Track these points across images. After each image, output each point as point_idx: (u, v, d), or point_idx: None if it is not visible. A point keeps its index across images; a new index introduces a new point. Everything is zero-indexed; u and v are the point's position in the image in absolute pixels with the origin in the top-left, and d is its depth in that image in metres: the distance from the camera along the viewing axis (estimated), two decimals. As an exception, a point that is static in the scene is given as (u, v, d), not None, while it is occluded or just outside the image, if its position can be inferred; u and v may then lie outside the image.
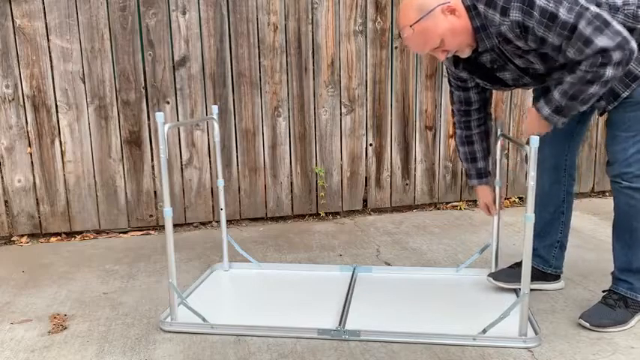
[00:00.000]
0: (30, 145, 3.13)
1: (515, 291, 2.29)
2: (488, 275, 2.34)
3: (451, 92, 2.21)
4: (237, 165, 3.40)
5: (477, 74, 2.04)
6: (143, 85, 3.19)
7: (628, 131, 1.93)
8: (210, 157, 3.35)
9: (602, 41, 1.68)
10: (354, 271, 2.56)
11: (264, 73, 3.32)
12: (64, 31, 3.05)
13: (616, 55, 1.69)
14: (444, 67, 2.15)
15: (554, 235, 2.27)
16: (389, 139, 3.58)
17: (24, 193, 3.16)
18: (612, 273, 2.07)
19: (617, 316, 1.99)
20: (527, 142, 1.81)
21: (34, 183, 3.16)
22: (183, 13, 3.17)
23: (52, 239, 3.23)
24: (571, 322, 2.05)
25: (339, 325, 2.02)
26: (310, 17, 3.32)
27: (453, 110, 2.26)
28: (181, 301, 2.08)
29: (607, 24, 1.69)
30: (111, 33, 3.11)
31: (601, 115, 2.03)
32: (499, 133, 2.30)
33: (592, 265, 2.62)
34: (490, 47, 1.87)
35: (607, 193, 3.95)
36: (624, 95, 1.91)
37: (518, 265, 2.26)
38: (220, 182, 2.54)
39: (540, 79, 1.98)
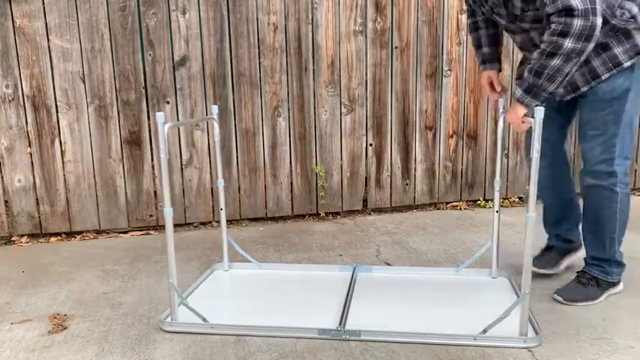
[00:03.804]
0: (30, 145, 3.13)
1: (515, 291, 2.29)
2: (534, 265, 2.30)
3: None
4: (237, 165, 3.40)
5: None
6: (143, 85, 3.19)
7: (595, 130, 2.05)
8: (210, 157, 3.35)
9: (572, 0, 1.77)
10: (354, 271, 2.56)
11: (264, 73, 3.32)
12: (64, 31, 3.05)
13: (578, 22, 1.77)
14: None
15: (573, 218, 2.41)
16: (389, 139, 3.58)
17: (24, 193, 3.16)
18: (585, 259, 2.27)
19: (588, 293, 2.19)
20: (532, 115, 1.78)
21: (34, 183, 3.16)
22: (183, 13, 3.17)
23: (52, 239, 3.23)
24: (571, 322, 2.05)
25: (340, 325, 2.02)
26: (310, 17, 3.32)
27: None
28: (181, 301, 2.08)
29: None
30: (111, 33, 3.11)
31: (561, 100, 2.12)
32: (501, 110, 2.31)
33: (592, 265, 2.62)
34: None
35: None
36: (583, 90, 2.03)
37: (547, 249, 2.48)
38: (220, 182, 2.54)
39: (522, 30, 2.07)
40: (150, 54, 3.17)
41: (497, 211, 2.40)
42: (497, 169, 2.36)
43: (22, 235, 3.21)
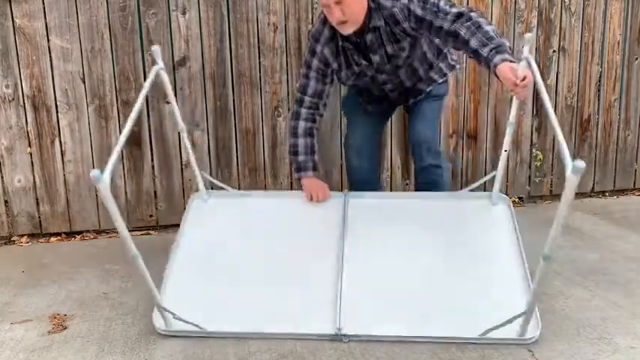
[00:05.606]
0: (30, 145, 3.13)
1: (514, 222, 2.41)
2: None
3: (305, 84, 2.50)
4: (237, 165, 3.39)
5: (358, 51, 2.41)
6: (143, 85, 3.19)
7: (432, 117, 2.64)
8: (210, 157, 3.34)
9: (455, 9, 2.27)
10: (345, 197, 2.61)
11: (264, 73, 3.32)
12: (64, 31, 3.05)
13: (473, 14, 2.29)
14: (310, 60, 2.50)
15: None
16: (389, 139, 3.57)
17: (24, 193, 3.16)
18: None
19: None
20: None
21: (34, 183, 3.16)
22: (183, 13, 3.17)
23: (52, 239, 3.22)
24: (571, 322, 2.05)
25: (338, 325, 1.99)
26: (310, 17, 3.32)
27: (300, 101, 2.52)
28: (174, 315, 2.02)
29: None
30: (111, 33, 3.11)
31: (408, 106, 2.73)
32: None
33: (592, 265, 2.62)
34: (378, 26, 2.30)
35: (607, 193, 3.95)
36: (427, 90, 2.61)
37: None
38: (182, 128, 2.64)
39: (394, 73, 2.51)
40: (150, 54, 3.17)
41: (505, 151, 2.50)
42: (514, 106, 2.41)
43: (22, 235, 3.21)
